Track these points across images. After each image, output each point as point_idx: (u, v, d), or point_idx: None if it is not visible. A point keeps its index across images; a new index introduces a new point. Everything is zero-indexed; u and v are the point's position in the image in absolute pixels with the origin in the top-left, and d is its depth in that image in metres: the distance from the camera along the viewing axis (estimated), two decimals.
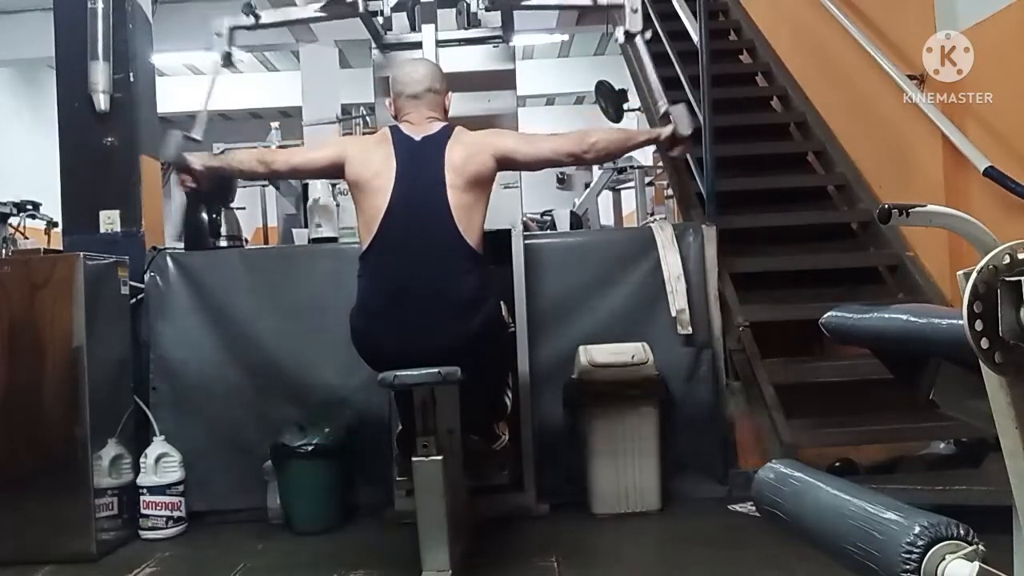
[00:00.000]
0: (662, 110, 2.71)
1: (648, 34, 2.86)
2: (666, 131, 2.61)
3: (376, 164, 2.41)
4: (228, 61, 2.86)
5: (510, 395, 2.84)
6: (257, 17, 2.82)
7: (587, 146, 2.51)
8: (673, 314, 3.25)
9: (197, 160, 2.59)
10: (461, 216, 2.36)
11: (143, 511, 3.03)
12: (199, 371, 3.30)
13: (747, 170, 4.07)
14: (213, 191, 3.13)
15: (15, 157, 8.99)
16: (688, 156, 3.16)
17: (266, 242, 6.05)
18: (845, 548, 1.04)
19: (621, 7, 2.80)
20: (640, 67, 3.78)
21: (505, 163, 2.48)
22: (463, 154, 2.40)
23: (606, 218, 7.32)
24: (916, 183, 3.58)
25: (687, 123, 2.59)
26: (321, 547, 2.86)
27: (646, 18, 2.86)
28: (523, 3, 3.18)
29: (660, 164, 5.87)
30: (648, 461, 3.04)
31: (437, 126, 2.49)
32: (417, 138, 2.45)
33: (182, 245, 3.49)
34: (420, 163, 2.40)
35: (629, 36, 2.82)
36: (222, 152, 2.93)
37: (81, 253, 2.89)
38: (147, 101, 3.51)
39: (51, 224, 5.17)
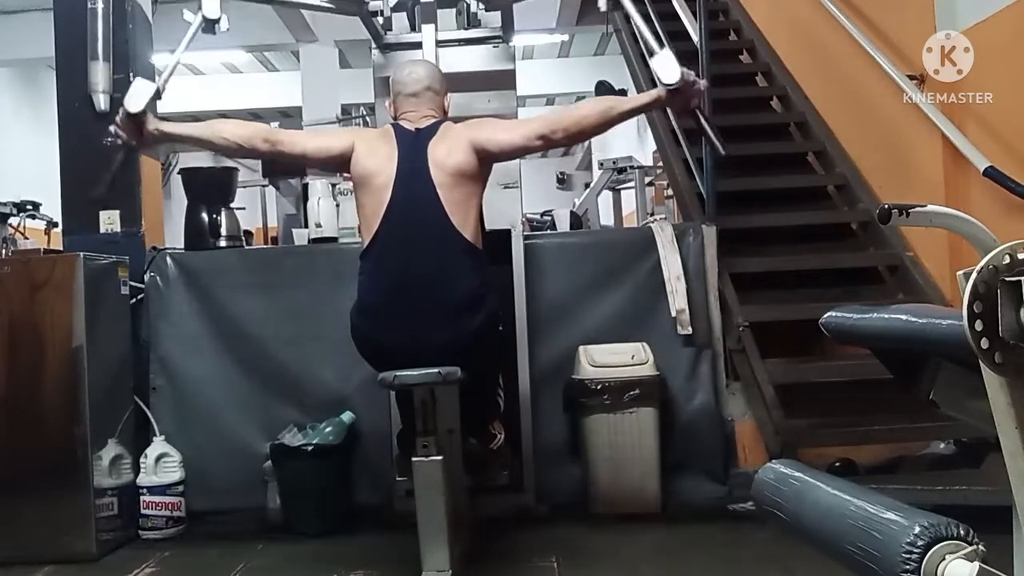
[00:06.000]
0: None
1: None
2: (658, 91, 2.33)
3: (380, 161, 2.41)
4: (211, 29, 2.73)
5: (502, 394, 2.84)
6: None
7: (555, 126, 2.39)
8: (673, 314, 3.26)
9: (155, 122, 2.40)
10: (455, 211, 2.35)
11: (143, 511, 3.03)
12: (199, 371, 3.31)
13: (747, 170, 4.07)
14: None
15: (15, 157, 8.98)
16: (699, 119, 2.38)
17: (266, 242, 6.04)
18: (845, 548, 1.04)
19: None
20: (633, 27, 3.31)
21: (484, 154, 2.41)
22: (444, 150, 2.39)
23: (606, 218, 7.31)
24: (916, 183, 3.58)
25: (672, 71, 2.23)
26: (321, 547, 2.86)
27: None
28: None
29: (660, 164, 5.86)
30: (648, 461, 3.04)
31: (431, 121, 2.48)
32: (414, 130, 2.46)
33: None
34: (416, 161, 2.39)
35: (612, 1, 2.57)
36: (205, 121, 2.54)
37: (81, 253, 2.89)
38: None
39: (51, 224, 5.18)
